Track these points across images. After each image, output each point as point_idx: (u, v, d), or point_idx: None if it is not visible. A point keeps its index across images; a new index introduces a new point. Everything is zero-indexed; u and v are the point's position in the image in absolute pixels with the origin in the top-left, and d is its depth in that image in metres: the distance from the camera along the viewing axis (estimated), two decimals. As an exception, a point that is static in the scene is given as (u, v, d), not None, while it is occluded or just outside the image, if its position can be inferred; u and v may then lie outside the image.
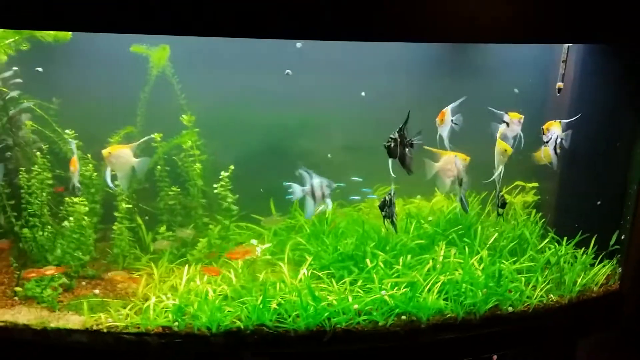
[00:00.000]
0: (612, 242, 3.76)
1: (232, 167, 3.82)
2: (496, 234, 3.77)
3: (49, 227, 3.59)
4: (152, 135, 3.67)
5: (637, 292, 3.76)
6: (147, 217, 3.91)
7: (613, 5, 3.05)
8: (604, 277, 3.70)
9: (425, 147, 3.15)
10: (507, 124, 3.32)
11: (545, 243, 3.83)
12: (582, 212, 3.91)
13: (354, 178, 3.92)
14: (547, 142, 3.35)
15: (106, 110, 3.76)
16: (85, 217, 3.58)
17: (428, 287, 3.33)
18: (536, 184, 4.21)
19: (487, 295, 3.33)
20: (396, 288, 3.32)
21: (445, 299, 3.33)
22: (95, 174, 3.68)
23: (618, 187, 3.76)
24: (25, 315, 3.20)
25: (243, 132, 4.00)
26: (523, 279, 3.50)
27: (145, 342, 3.09)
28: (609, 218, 3.80)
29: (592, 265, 3.72)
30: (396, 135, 2.86)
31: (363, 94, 3.93)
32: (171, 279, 3.51)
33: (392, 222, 3.11)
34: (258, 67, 3.80)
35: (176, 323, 3.12)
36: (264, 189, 4.04)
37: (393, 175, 2.89)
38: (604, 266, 3.71)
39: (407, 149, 2.90)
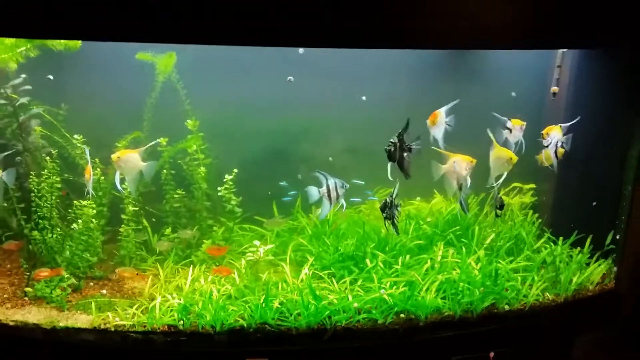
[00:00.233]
0: (607, 242, 3.82)
1: (235, 170, 3.90)
2: (493, 235, 3.84)
3: (58, 229, 3.68)
4: (159, 140, 3.76)
5: (635, 293, 3.82)
6: (154, 220, 4.00)
7: (605, 12, 3.14)
8: (600, 276, 3.77)
9: (433, 148, 3.20)
10: (510, 130, 3.37)
11: (542, 243, 3.90)
12: (578, 213, 3.98)
13: (355, 181, 4.00)
14: (547, 146, 3.41)
15: (114, 115, 3.86)
16: (93, 220, 3.68)
17: (426, 286, 3.41)
18: (533, 185, 4.28)
19: (484, 293, 3.41)
20: (395, 287, 3.40)
21: (443, 298, 3.41)
22: (103, 177, 3.78)
23: (613, 188, 3.82)
24: (35, 315, 3.30)
25: (246, 137, 4.09)
26: (519, 278, 3.57)
27: (152, 340, 3.18)
28: (604, 218, 3.87)
29: (588, 264, 3.79)
30: (396, 140, 2.93)
31: (364, 98, 4.02)
32: (176, 279, 3.61)
33: (393, 224, 3.17)
34: (261, 73, 3.90)
35: (181, 322, 3.21)
36: (267, 191, 4.13)
37: (391, 178, 2.96)
38: (599, 265, 3.78)
39: (405, 154, 2.98)
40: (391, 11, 2.85)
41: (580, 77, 3.83)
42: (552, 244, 3.87)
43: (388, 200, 3.13)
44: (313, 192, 3.19)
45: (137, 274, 3.61)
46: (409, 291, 3.37)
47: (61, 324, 3.22)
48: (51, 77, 3.69)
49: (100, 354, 3.23)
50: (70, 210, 3.72)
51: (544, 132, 3.42)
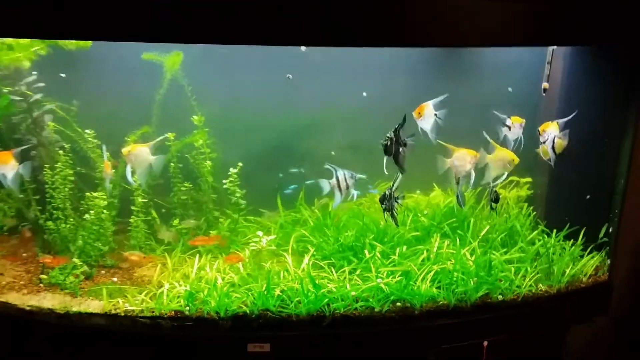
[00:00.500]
0: (601, 235, 3.91)
1: (240, 164, 4.03)
2: (488, 227, 3.94)
3: (71, 219, 3.85)
4: (167, 135, 3.91)
5: (630, 289, 3.91)
6: (163, 210, 4.15)
7: (596, 9, 3.19)
8: (593, 268, 3.85)
9: (439, 142, 3.25)
10: (509, 128, 3.43)
11: (535, 234, 3.99)
12: (572, 206, 4.07)
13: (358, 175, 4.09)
14: (544, 142, 3.45)
15: (124, 111, 4.00)
16: (105, 211, 3.84)
17: (422, 276, 3.53)
18: (530, 179, 4.36)
19: (478, 284, 3.53)
20: (392, 277, 3.53)
21: (438, 287, 3.53)
22: (113, 170, 3.92)
23: (607, 181, 3.89)
24: (49, 300, 3.47)
25: (251, 131, 4.22)
26: (513, 269, 3.68)
27: (159, 325, 3.34)
28: (598, 211, 3.95)
29: (581, 257, 3.88)
30: (392, 134, 3.04)
31: (365, 94, 4.13)
32: (183, 268, 3.76)
33: (392, 216, 3.28)
34: (265, 69, 4.01)
35: (187, 308, 3.37)
36: (270, 184, 4.26)
37: (386, 172, 3.08)
38: (592, 257, 3.87)
39: (400, 148, 3.09)
40: (386, 10, 2.92)
41: (573, 72, 3.89)
42: (546, 236, 3.96)
43: (387, 192, 3.23)
44: (324, 184, 3.34)
45: (144, 257, 3.78)
46: (405, 280, 3.49)
47: (74, 309, 3.39)
48: (63, 75, 3.84)
49: (111, 337, 3.39)
50: (82, 202, 3.88)
51: (540, 128, 3.47)
